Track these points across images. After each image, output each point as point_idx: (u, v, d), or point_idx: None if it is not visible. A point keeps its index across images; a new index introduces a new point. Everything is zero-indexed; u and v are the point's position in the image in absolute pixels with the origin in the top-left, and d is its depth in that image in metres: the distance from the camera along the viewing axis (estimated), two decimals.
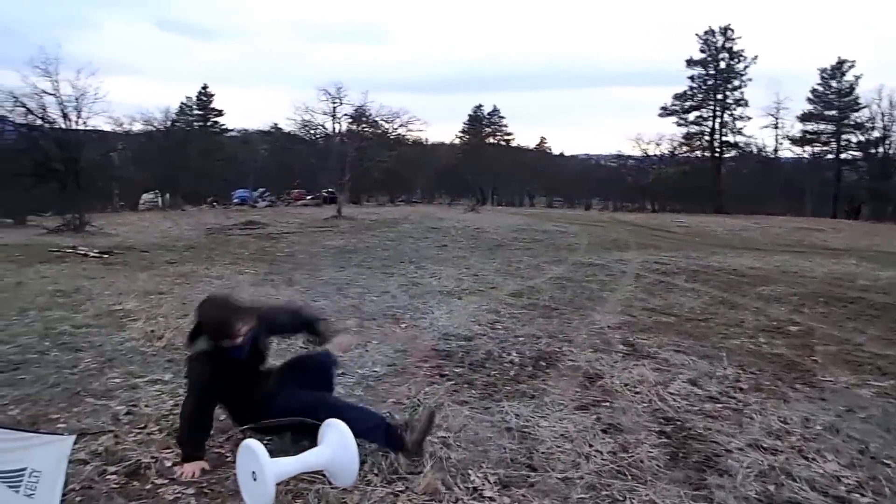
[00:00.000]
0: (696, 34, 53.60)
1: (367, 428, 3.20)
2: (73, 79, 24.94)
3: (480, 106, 68.92)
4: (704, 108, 54.31)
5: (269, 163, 61.45)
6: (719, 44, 52.72)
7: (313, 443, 3.08)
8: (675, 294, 8.56)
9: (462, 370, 4.85)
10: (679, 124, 55.53)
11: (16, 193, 31.75)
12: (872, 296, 8.53)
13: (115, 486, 2.97)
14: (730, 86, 53.06)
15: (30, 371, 4.81)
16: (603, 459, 3.25)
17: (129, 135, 46.19)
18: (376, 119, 47.58)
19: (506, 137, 69.18)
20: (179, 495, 2.88)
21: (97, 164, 31.32)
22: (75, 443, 3.16)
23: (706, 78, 53.68)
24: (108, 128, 36.33)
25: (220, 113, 61.75)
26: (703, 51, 53.31)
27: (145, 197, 47.47)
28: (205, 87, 61.19)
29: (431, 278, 9.71)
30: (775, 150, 53.95)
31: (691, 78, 54.12)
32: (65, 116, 25.16)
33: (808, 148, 52.46)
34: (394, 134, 52.50)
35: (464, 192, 59.36)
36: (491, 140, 68.60)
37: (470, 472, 3.06)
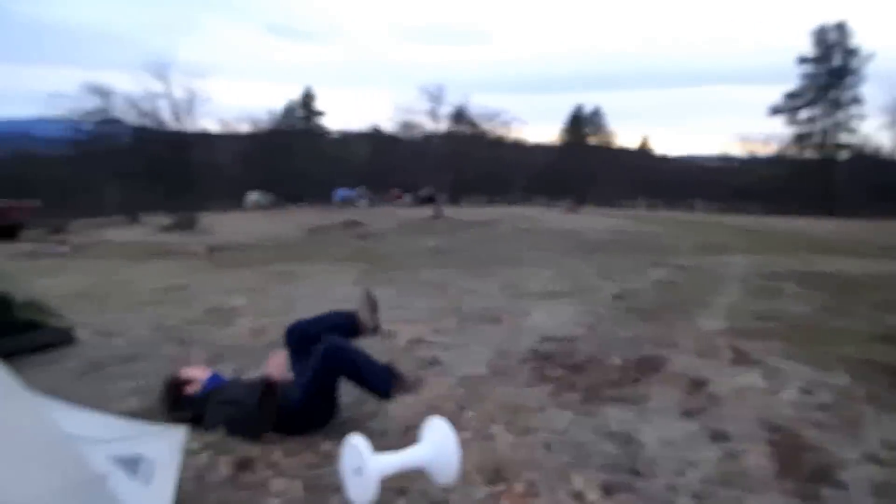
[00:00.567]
0: (809, 30, 51.12)
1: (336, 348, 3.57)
2: (184, 82, 26.37)
3: (581, 106, 68.13)
4: (816, 106, 51.64)
5: (369, 163, 62.70)
6: (833, 40, 50.02)
7: None
8: (784, 299, 8.21)
9: (563, 372, 4.82)
10: (789, 124, 53.05)
11: (130, 192, 33.84)
12: None
13: (225, 476, 3.11)
14: (844, 84, 50.23)
15: (143, 363, 5.12)
16: (709, 467, 3.17)
17: (236, 136, 48.20)
18: (475, 119, 47.84)
19: (607, 138, 68.05)
20: (286, 488, 2.99)
21: (205, 165, 32.93)
22: (187, 433, 3.35)
23: (819, 76, 51.08)
24: (215, 129, 38.19)
25: (322, 114, 63.59)
26: (816, 48, 50.71)
27: (251, 196, 49.35)
28: (308, 89, 63.08)
29: (530, 279, 9.69)
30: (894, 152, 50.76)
31: (803, 76, 51.62)
32: (176, 118, 26.62)
33: None
34: (493, 134, 52.67)
35: (562, 193, 58.70)
36: (591, 141, 67.62)
37: (572, 475, 3.06)
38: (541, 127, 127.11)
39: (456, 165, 38.39)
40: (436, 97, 41.47)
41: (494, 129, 52.58)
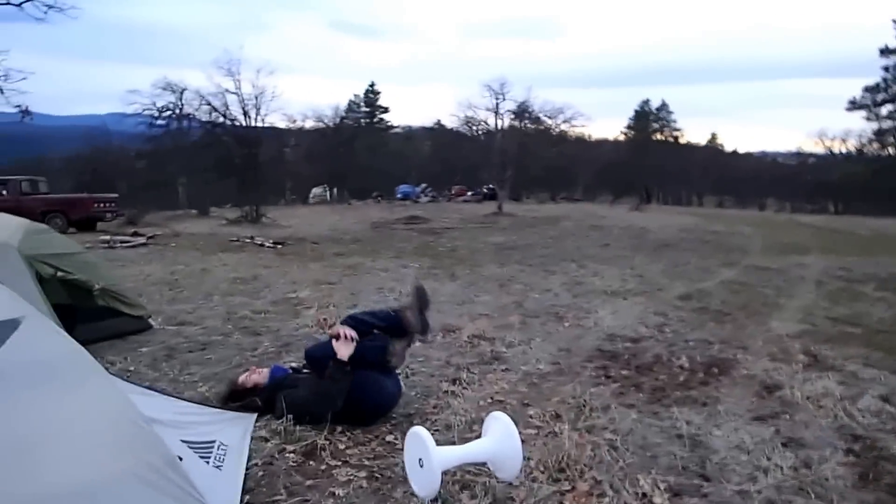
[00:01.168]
0: (893, 20, 48.80)
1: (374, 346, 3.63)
2: (253, 78, 26.96)
3: (648, 100, 66.94)
4: None
5: (432, 159, 62.94)
6: None
7: None
8: (863, 303, 7.89)
9: (629, 372, 4.76)
10: (869, 119, 50.91)
11: (201, 186, 34.79)
12: None
13: (292, 464, 3.16)
14: None
15: (215, 351, 5.27)
16: (783, 474, 3.06)
17: (301, 131, 49.00)
18: (539, 115, 47.54)
19: (674, 133, 66.65)
20: (352, 477, 3.02)
21: (272, 160, 33.60)
22: (256, 421, 3.42)
23: None
24: (282, 125, 39.01)
25: (385, 110, 64.15)
26: None
27: (315, 191, 50.21)
28: (372, 85, 63.82)
29: (594, 277, 9.57)
30: None
31: (885, 69, 49.41)
32: (245, 114, 27.26)
33: None
34: (556, 130, 52.23)
35: (628, 189, 57.73)
36: (658, 136, 66.31)
37: (639, 477, 2.99)
38: (606, 122, 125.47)
39: (519, 161, 38.13)
40: (499, 92, 41.40)
41: (558, 124, 52.17)
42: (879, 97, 50.27)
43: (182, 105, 32.99)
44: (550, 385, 4.43)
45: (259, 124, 27.57)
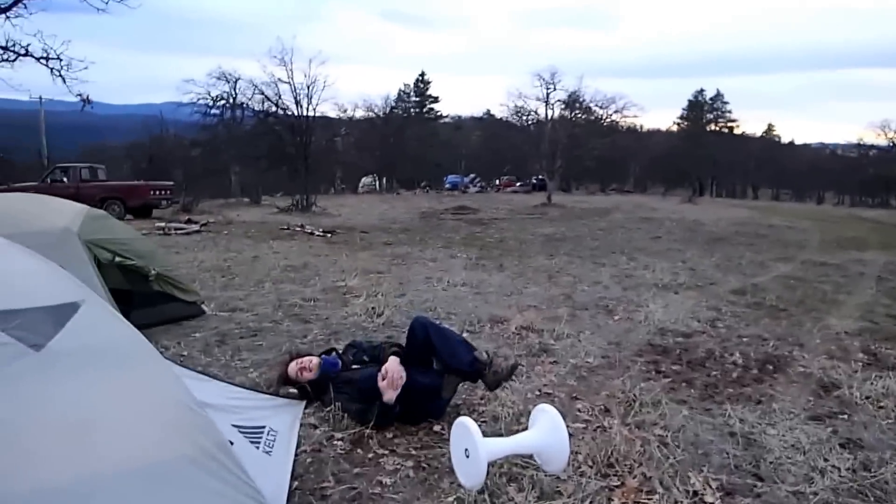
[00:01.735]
0: None
1: (457, 351, 3.51)
2: (305, 68, 27.19)
3: (702, 90, 65.45)
4: None
5: (481, 149, 62.73)
6: None
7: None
8: None
9: (680, 368, 4.67)
10: None
11: (253, 174, 35.31)
12: None
13: (340, 451, 3.19)
14: None
15: (266, 338, 5.35)
16: (840, 476, 2.97)
17: (351, 121, 49.28)
18: (590, 105, 46.95)
19: (729, 124, 65.09)
20: (399, 466, 3.05)
21: (323, 149, 33.90)
22: (305, 408, 3.46)
23: None
24: (333, 114, 39.22)
25: (435, 99, 63.93)
26: None
27: (364, 180, 50.54)
28: (422, 75, 63.61)
29: (645, 270, 9.43)
30: None
31: None
32: (297, 103, 27.48)
33: None
34: (607, 120, 51.52)
35: (680, 181, 56.66)
36: (712, 127, 64.86)
37: (690, 474, 2.94)
38: (658, 113, 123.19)
39: (568, 152, 37.71)
40: (550, 82, 40.93)
41: (609, 114, 51.43)
42: None
43: (236, 94, 33.52)
44: (599, 379, 4.38)
45: (310, 114, 27.80)
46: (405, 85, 63.26)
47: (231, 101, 33.99)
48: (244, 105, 33.42)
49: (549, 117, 41.54)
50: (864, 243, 14.80)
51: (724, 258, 11.13)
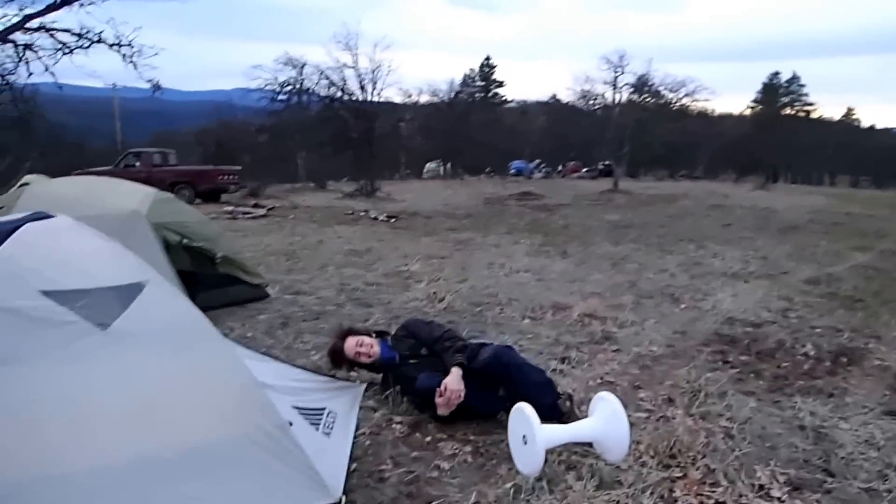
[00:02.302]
0: None
1: (541, 383, 3.33)
2: (370, 53, 27.33)
3: (777, 73, 62.97)
4: None
5: (546, 134, 61.97)
6: None
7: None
8: None
9: (748, 358, 4.53)
10: None
11: (318, 160, 35.77)
12: None
13: (399, 435, 3.21)
14: None
15: (328, 321, 5.41)
16: None
17: (416, 106, 49.30)
18: (659, 89, 45.88)
19: (805, 108, 62.57)
20: (457, 451, 3.04)
21: (388, 134, 34.05)
22: (365, 391, 3.48)
23: None
24: (398, 99, 39.25)
25: (500, 84, 63.38)
26: None
27: (429, 166, 50.60)
28: (487, 59, 63.14)
29: (714, 258, 9.17)
30: None
31: None
32: (362, 88, 27.65)
33: None
34: (677, 105, 50.25)
35: (752, 168, 54.78)
36: (787, 111, 62.48)
37: (756, 468, 2.85)
38: (730, 97, 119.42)
39: (636, 137, 36.99)
40: (617, 65, 40.13)
41: (679, 98, 50.17)
42: None
43: (302, 80, 33.92)
44: (663, 368, 4.29)
45: (375, 99, 27.95)
46: (470, 70, 62.87)
47: (297, 86, 34.42)
48: (310, 90, 33.82)
49: (617, 101, 40.81)
50: None
51: (797, 247, 10.73)
